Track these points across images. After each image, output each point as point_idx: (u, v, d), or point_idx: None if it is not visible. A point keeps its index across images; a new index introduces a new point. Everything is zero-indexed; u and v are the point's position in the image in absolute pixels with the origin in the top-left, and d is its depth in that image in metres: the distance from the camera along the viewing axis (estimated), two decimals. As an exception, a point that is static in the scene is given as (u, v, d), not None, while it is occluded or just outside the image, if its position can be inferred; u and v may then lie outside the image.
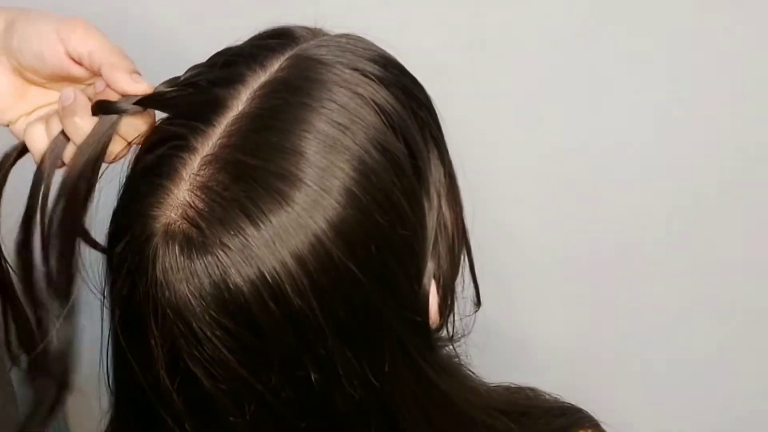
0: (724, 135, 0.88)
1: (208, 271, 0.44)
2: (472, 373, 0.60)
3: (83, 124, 0.50)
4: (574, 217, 0.93)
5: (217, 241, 0.44)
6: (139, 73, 0.52)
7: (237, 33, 0.54)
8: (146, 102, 0.50)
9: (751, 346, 1.00)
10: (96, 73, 0.52)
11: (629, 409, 0.95)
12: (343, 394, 0.47)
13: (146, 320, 0.46)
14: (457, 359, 0.60)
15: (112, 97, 0.51)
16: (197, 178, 0.45)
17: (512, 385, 0.64)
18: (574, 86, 0.87)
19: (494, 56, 0.84)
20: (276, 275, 0.44)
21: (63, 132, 0.51)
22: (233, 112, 0.47)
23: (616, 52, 0.85)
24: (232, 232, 0.44)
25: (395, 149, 0.48)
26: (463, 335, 0.60)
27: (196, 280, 0.44)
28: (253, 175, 0.45)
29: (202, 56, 0.53)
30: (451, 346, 0.59)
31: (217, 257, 0.44)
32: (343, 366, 0.47)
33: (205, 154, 0.46)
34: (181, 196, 0.45)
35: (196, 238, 0.44)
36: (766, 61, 0.85)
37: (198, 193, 0.45)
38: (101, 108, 0.51)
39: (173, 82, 0.51)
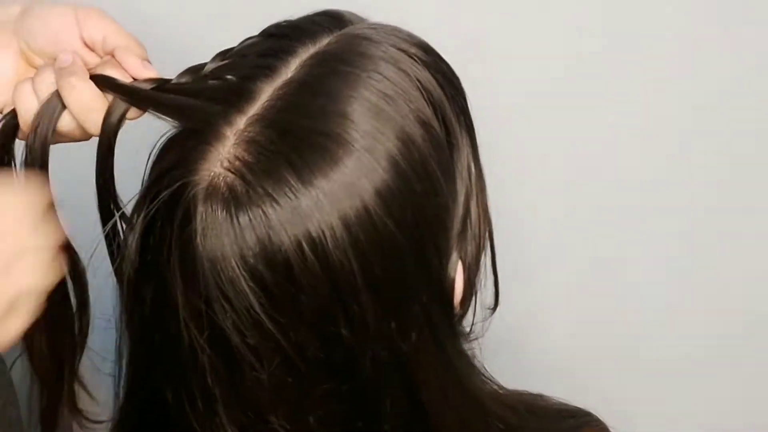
0: (725, 136, 0.90)
1: (251, 223, 0.45)
2: (487, 373, 0.61)
3: (80, 86, 0.50)
4: (580, 218, 0.94)
5: (262, 192, 0.45)
6: (149, 61, 0.53)
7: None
8: (169, 90, 0.51)
9: (756, 345, 1.00)
10: (108, 56, 0.52)
11: (640, 415, 0.96)
12: (371, 355, 0.48)
13: (178, 272, 0.47)
14: (474, 359, 0.61)
15: (113, 74, 0.51)
16: (243, 134, 0.47)
17: (521, 391, 0.64)
18: (574, 87, 0.88)
19: (494, 56, 0.86)
20: (320, 233, 0.45)
21: (56, 94, 0.50)
22: (282, 78, 0.48)
23: (617, 52, 0.87)
24: (279, 186, 0.45)
25: (433, 124, 0.50)
26: (477, 338, 0.61)
27: (237, 232, 0.45)
28: (300, 133, 0.46)
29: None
30: (468, 345, 0.60)
31: (262, 210, 0.45)
32: (374, 324, 0.48)
33: (251, 114, 0.47)
34: (226, 151, 0.46)
35: (241, 189, 0.45)
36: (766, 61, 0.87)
37: (244, 146, 0.46)
38: (105, 81, 0.51)
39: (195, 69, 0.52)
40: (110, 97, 0.51)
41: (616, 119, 0.90)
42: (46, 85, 0.51)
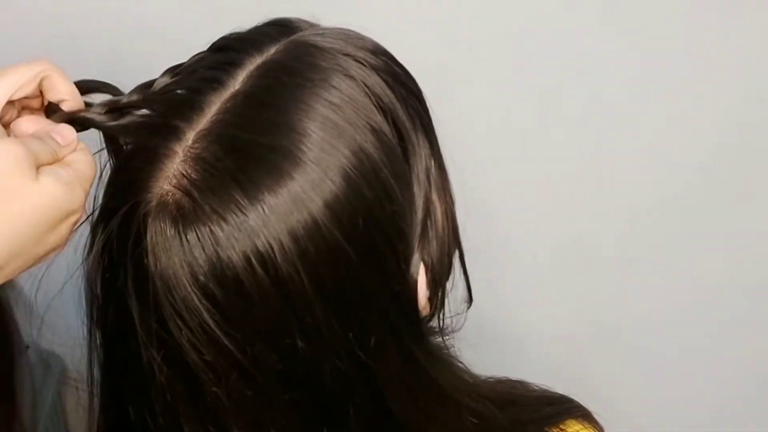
0: (724, 134, 0.90)
1: (200, 241, 0.45)
2: (461, 364, 0.61)
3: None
4: (569, 214, 0.94)
5: (209, 209, 0.45)
6: None
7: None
8: (131, 106, 0.51)
9: (748, 341, 1.00)
10: None
11: (621, 401, 0.95)
12: (330, 365, 0.48)
13: (132, 291, 0.47)
14: (447, 351, 0.61)
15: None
16: (191, 150, 0.46)
17: (501, 378, 0.64)
18: (573, 86, 0.88)
19: (494, 57, 0.85)
20: (269, 248, 0.45)
21: None
22: (229, 91, 0.48)
23: (616, 51, 0.86)
24: (225, 203, 0.45)
25: (384, 130, 0.49)
26: (454, 330, 0.61)
27: (187, 250, 0.45)
28: (246, 148, 0.46)
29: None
30: (441, 339, 0.59)
31: (210, 228, 0.45)
32: (329, 335, 0.47)
33: (199, 129, 0.47)
34: (174, 168, 0.46)
35: (188, 207, 0.45)
36: (765, 60, 0.86)
37: (191, 163, 0.46)
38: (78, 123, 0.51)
39: (146, 85, 0.52)
40: None
41: (610, 117, 0.90)
42: None
